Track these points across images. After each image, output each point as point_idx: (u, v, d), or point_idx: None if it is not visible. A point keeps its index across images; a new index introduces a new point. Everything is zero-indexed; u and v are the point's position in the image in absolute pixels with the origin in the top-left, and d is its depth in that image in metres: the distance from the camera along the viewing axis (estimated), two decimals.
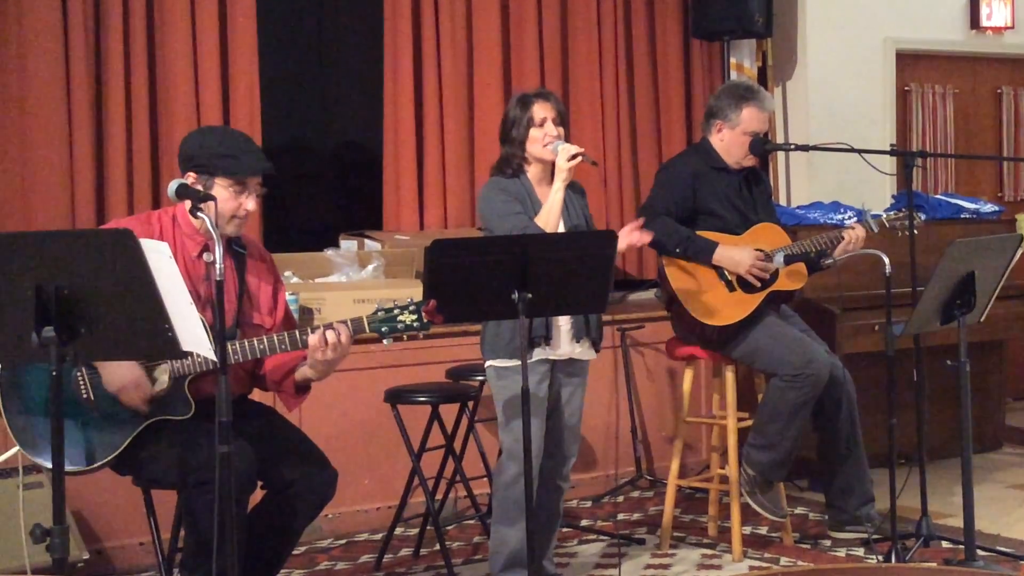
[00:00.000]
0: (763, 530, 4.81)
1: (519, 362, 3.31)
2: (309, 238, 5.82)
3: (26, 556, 3.81)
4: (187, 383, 3.29)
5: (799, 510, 5.07)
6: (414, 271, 5.26)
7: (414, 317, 3.29)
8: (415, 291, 4.60)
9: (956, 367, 3.88)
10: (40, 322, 2.60)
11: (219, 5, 5.43)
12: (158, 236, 3.32)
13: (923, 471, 4.18)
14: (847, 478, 4.51)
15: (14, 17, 5.06)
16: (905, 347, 4.16)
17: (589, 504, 5.35)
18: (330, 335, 3.23)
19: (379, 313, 3.29)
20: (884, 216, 4.50)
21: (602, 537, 4.78)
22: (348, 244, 5.54)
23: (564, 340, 3.85)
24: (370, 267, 5.19)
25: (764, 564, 4.38)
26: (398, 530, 4.62)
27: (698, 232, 4.34)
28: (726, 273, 4.34)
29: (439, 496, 4.74)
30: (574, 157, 3.69)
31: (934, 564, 4.16)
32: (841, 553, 4.50)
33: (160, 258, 2.67)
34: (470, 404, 4.55)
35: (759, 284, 4.33)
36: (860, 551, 4.48)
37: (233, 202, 3.31)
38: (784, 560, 4.44)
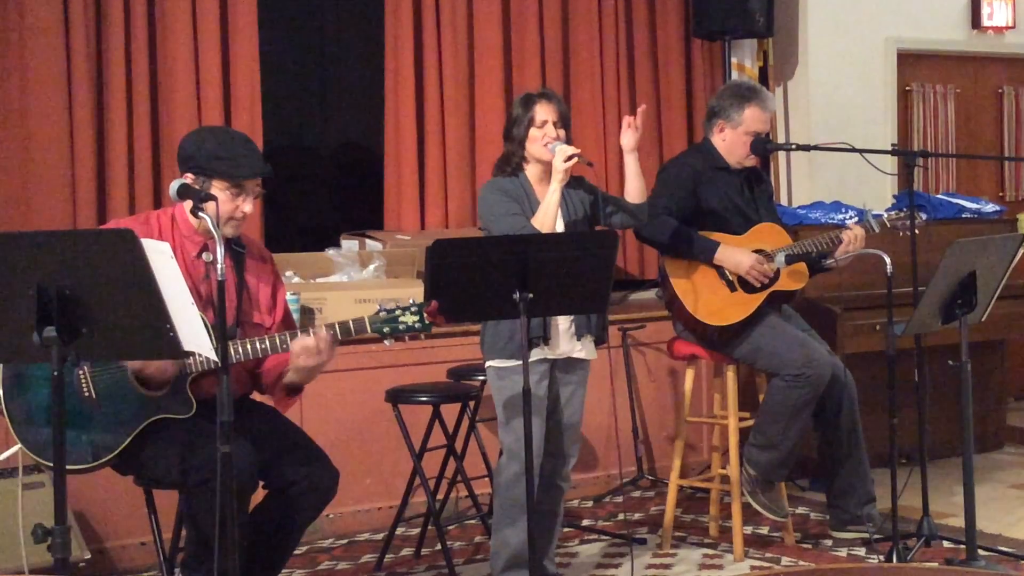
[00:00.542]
0: (764, 530, 4.81)
1: (519, 362, 3.31)
2: (310, 238, 5.83)
3: (23, 556, 3.82)
4: (188, 382, 3.29)
5: (800, 510, 5.07)
6: (415, 271, 5.26)
7: (416, 318, 3.29)
8: (416, 291, 4.60)
9: (957, 367, 3.88)
10: (41, 322, 2.60)
11: (220, 5, 5.43)
12: (157, 236, 3.32)
13: (924, 471, 4.17)
14: (848, 478, 4.51)
15: (15, 17, 5.06)
16: (906, 347, 4.17)
17: (590, 504, 5.35)
18: (309, 341, 3.24)
19: (381, 313, 3.30)
20: (885, 216, 4.50)
21: (603, 537, 4.78)
22: (349, 244, 5.54)
23: (563, 340, 3.85)
24: (371, 267, 5.20)
25: (765, 564, 4.38)
26: (399, 530, 4.62)
27: (699, 232, 4.34)
28: (727, 273, 4.34)
29: (440, 496, 4.74)
30: (570, 158, 3.70)
31: (935, 564, 4.16)
32: (842, 553, 4.50)
33: (161, 258, 2.67)
34: (471, 404, 4.55)
35: (760, 285, 4.33)
36: (861, 551, 4.48)
37: (230, 204, 3.31)
38: (785, 560, 4.44)
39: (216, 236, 2.85)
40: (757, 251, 4.34)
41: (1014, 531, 4.67)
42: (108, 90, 5.23)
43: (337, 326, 3.29)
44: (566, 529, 4.72)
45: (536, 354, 3.77)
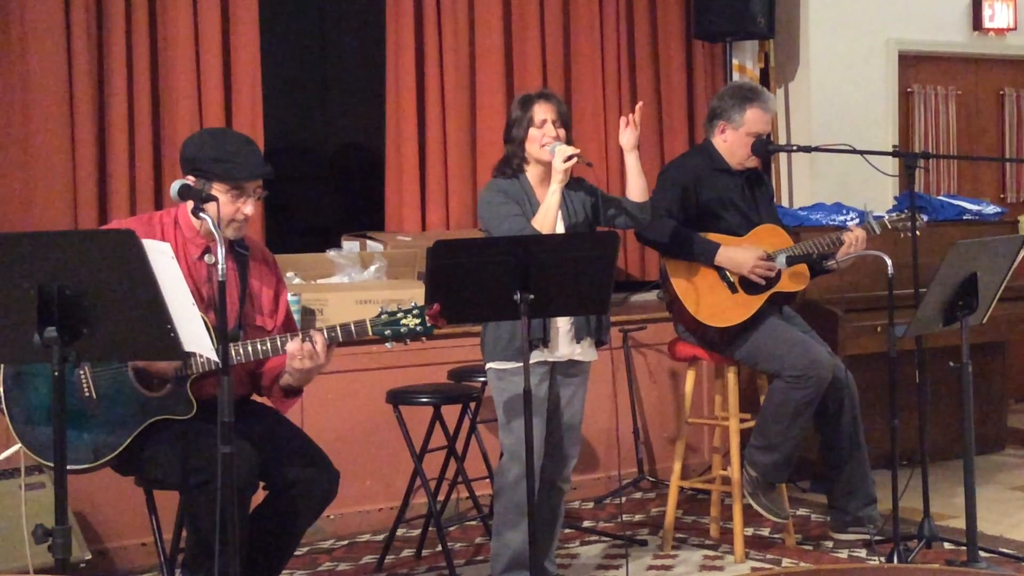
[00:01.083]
0: (765, 531, 4.81)
1: (519, 364, 3.31)
2: (311, 239, 5.83)
3: (28, 557, 3.82)
4: (189, 384, 3.29)
5: (801, 511, 5.07)
6: (416, 272, 5.26)
7: (417, 321, 3.27)
8: (417, 292, 4.60)
9: (958, 368, 3.88)
10: (42, 322, 2.61)
11: (221, 6, 5.44)
12: (159, 237, 3.32)
13: (925, 472, 4.17)
14: (849, 479, 4.50)
15: (16, 17, 5.07)
16: (907, 348, 4.16)
17: (591, 505, 5.35)
18: (305, 345, 3.24)
19: (382, 315, 3.28)
20: (886, 217, 4.50)
21: (604, 538, 4.78)
22: (350, 245, 5.54)
23: (563, 342, 3.84)
24: (372, 268, 5.19)
25: (766, 565, 4.38)
26: (400, 531, 4.62)
27: (700, 233, 4.34)
28: (728, 274, 4.34)
29: (441, 497, 4.74)
30: (570, 158, 3.69)
31: (936, 565, 4.16)
32: (843, 554, 4.50)
33: (162, 258, 2.68)
34: (472, 405, 4.55)
35: (762, 285, 4.33)
36: (862, 552, 4.48)
37: (231, 206, 3.30)
38: (786, 561, 4.43)
39: (217, 237, 2.84)
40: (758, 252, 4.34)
41: (1015, 533, 4.67)
42: (109, 90, 5.23)
43: (339, 328, 3.29)
44: (567, 530, 4.72)
45: (536, 356, 3.76)
